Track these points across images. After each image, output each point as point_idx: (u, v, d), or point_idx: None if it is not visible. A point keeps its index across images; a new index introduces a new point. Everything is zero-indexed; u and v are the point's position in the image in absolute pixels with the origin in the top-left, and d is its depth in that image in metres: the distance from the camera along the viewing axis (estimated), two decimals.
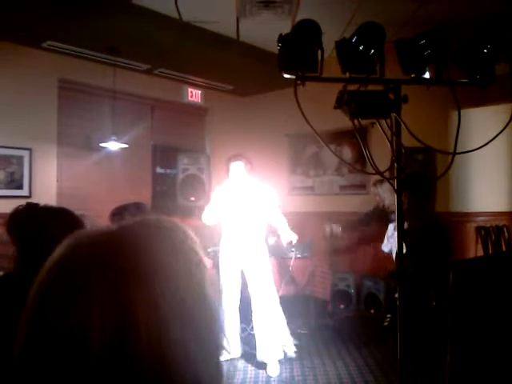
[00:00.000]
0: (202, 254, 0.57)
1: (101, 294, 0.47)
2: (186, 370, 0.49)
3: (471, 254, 4.86)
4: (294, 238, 4.23)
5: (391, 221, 4.52)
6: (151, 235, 0.54)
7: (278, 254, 4.81)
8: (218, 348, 0.55)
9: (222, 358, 0.55)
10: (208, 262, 4.71)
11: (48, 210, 1.68)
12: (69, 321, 0.46)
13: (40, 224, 1.58)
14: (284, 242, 4.26)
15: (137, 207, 2.57)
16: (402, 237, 2.18)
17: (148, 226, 0.55)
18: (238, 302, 4.12)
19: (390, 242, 4.54)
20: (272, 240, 4.73)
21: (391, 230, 4.50)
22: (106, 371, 0.45)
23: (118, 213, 2.57)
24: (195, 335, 0.51)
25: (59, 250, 0.52)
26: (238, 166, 4.07)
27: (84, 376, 0.45)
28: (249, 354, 4.13)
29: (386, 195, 4.59)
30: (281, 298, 4.43)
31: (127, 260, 0.50)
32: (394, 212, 4.28)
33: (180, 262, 0.53)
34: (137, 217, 0.57)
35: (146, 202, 6.24)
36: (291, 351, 4.10)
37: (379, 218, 4.87)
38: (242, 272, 4.09)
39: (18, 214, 1.63)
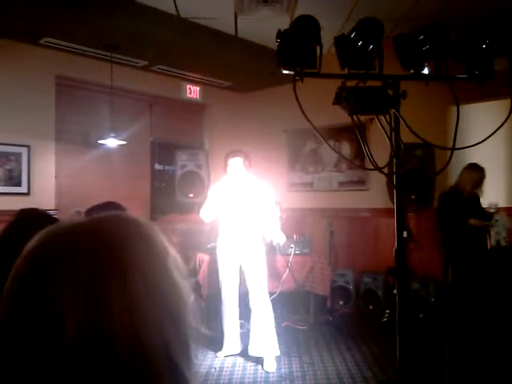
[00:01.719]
0: (169, 246, 0.60)
1: (74, 281, 0.49)
2: (161, 352, 0.51)
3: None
4: (282, 239, 4.18)
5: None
6: (121, 224, 0.57)
7: (277, 251, 4.81)
8: (190, 333, 0.57)
9: (195, 344, 0.58)
10: (206, 258, 4.72)
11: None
12: (43, 307, 0.48)
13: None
14: (271, 240, 4.20)
15: (111, 206, 2.53)
16: (401, 233, 2.18)
17: (118, 217, 0.59)
18: (237, 298, 4.12)
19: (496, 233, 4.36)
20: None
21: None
22: (82, 357, 0.47)
23: (94, 213, 2.53)
24: (169, 319, 0.53)
25: (36, 239, 0.54)
26: (236, 162, 4.05)
27: (60, 361, 0.47)
28: (247, 351, 4.13)
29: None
30: (280, 294, 4.44)
31: (100, 248, 0.52)
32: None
33: (150, 251, 0.56)
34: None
35: (144, 198, 6.25)
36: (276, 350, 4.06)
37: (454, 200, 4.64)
38: (240, 268, 4.09)
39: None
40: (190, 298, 0.58)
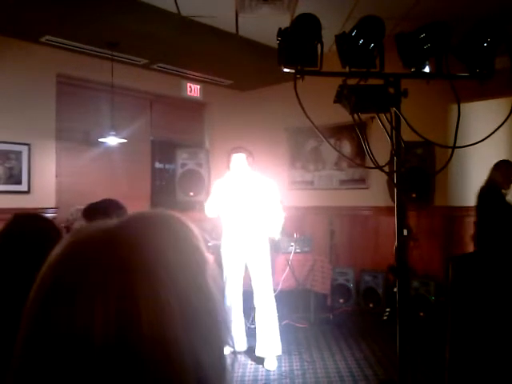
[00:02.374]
0: (205, 250, 0.56)
1: (102, 292, 0.46)
2: (191, 367, 0.48)
3: (470, 248, 4.87)
4: (276, 235, 4.21)
5: None
6: (152, 230, 0.53)
7: (279, 248, 4.82)
8: (222, 344, 0.54)
9: (226, 353, 0.55)
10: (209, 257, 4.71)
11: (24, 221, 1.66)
12: (71, 319, 0.46)
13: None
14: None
15: (110, 204, 2.51)
16: (401, 231, 2.18)
17: (149, 220, 0.54)
18: (241, 296, 4.11)
19: None
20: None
21: None
22: (110, 369, 0.45)
23: (91, 211, 2.52)
24: (200, 332, 0.50)
25: (60, 247, 0.52)
26: (239, 158, 4.03)
27: (88, 373, 0.45)
28: (249, 348, 4.14)
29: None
30: (281, 292, 4.44)
31: (127, 258, 0.49)
32: None
33: (183, 259, 0.52)
34: (134, 212, 0.57)
35: (145, 196, 6.25)
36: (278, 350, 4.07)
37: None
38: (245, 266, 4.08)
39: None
40: (227, 314, 0.54)
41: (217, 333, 0.53)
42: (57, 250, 0.52)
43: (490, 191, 4.54)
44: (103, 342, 0.45)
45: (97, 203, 2.53)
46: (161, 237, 0.52)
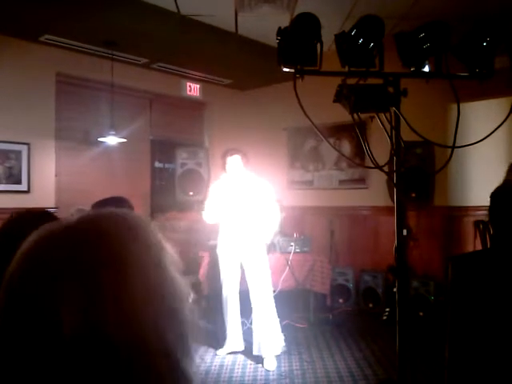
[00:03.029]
0: (165, 242, 0.59)
1: (69, 279, 0.49)
2: (160, 349, 0.51)
3: (470, 248, 4.87)
4: (268, 237, 4.20)
5: None
6: (117, 224, 0.56)
7: (278, 248, 4.82)
8: (186, 323, 0.56)
9: (193, 338, 0.58)
10: (206, 256, 4.71)
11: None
12: (39, 307, 0.48)
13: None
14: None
15: (118, 202, 2.53)
16: (401, 231, 2.18)
17: (113, 215, 0.58)
18: (238, 296, 4.12)
19: None
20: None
21: None
22: (79, 357, 0.47)
23: (100, 207, 2.53)
24: (167, 316, 0.53)
25: (31, 238, 0.54)
26: (234, 160, 4.07)
27: (57, 362, 0.47)
28: (248, 349, 4.13)
29: None
30: (280, 292, 4.44)
31: (95, 248, 0.52)
32: None
33: (145, 247, 0.55)
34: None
35: (144, 196, 6.25)
36: (280, 348, 4.08)
37: None
38: (241, 265, 4.09)
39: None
40: (188, 293, 0.58)
41: (179, 314, 0.56)
42: (27, 240, 0.55)
43: (506, 192, 4.53)
44: (71, 326, 0.47)
45: (105, 200, 2.55)
46: (123, 227, 0.56)
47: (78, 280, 0.49)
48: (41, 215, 1.73)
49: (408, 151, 4.58)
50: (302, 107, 2.00)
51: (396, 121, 2.16)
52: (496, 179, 5.06)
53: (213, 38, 5.11)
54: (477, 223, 4.76)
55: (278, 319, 4.09)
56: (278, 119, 6.67)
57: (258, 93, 7.10)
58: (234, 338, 4.14)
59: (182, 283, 0.58)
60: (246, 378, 3.72)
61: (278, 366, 3.92)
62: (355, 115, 2.07)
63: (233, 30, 5.03)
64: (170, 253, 0.59)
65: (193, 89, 6.66)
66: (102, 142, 5.46)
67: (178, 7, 4.43)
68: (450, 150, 2.16)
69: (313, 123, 2.06)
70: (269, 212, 4.11)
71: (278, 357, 4.02)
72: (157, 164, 6.58)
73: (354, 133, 5.54)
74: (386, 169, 2.25)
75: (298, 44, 2.00)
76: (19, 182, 5.02)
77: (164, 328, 0.52)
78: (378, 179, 5.48)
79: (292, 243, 4.82)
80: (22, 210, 1.71)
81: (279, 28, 2.03)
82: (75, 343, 0.47)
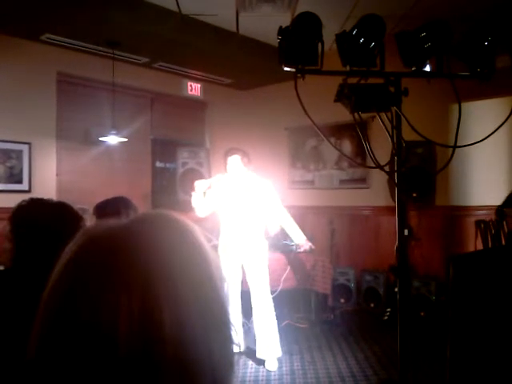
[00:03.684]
0: (208, 247, 0.56)
1: (126, 291, 0.46)
2: (207, 366, 0.49)
3: (471, 248, 4.86)
4: (304, 243, 4.23)
5: None
6: (169, 230, 0.53)
7: (279, 248, 4.81)
8: (231, 341, 0.55)
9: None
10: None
11: (49, 207, 1.65)
12: (96, 315, 0.45)
13: (41, 221, 1.56)
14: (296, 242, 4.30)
15: (121, 202, 2.54)
16: (402, 231, 2.17)
17: (162, 220, 0.55)
18: (239, 296, 4.11)
19: None
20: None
21: None
22: (132, 368, 0.45)
23: (103, 208, 2.54)
24: (213, 331, 0.51)
25: (76, 244, 0.51)
26: (234, 160, 4.06)
27: (109, 373, 0.44)
28: (249, 349, 4.13)
29: None
30: (281, 292, 4.43)
31: (149, 256, 0.49)
32: None
33: (192, 258, 0.52)
34: (135, 212, 0.57)
35: (145, 195, 6.25)
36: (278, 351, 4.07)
37: None
38: (242, 266, 4.08)
39: (20, 209, 1.61)
40: (230, 310, 0.55)
41: (226, 330, 0.54)
42: (72, 246, 0.51)
43: None
44: (127, 341, 0.44)
45: (108, 201, 2.56)
46: (172, 237, 0.52)
47: (136, 287, 0.46)
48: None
49: (409, 151, 4.56)
50: (303, 107, 2.00)
51: (397, 120, 2.16)
52: (497, 179, 5.09)
53: (214, 38, 5.11)
54: (478, 223, 4.76)
55: (276, 321, 4.07)
56: (279, 119, 6.66)
57: (259, 92, 7.10)
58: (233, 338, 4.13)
59: (225, 298, 0.55)
60: (248, 379, 3.71)
61: (280, 367, 3.91)
62: (356, 115, 2.07)
63: (234, 29, 5.03)
64: (217, 262, 0.55)
65: (194, 88, 6.66)
66: (102, 141, 5.46)
67: (179, 7, 4.43)
68: (451, 149, 2.16)
69: (314, 123, 2.05)
70: (280, 213, 4.13)
71: (279, 357, 4.01)
72: (158, 163, 6.58)
73: (355, 132, 5.55)
74: (387, 168, 2.25)
75: (299, 43, 2.00)
76: (20, 181, 5.03)
77: (213, 346, 0.50)
78: (379, 179, 5.47)
79: (293, 243, 4.81)
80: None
81: (280, 27, 2.03)
82: (127, 351, 0.44)
